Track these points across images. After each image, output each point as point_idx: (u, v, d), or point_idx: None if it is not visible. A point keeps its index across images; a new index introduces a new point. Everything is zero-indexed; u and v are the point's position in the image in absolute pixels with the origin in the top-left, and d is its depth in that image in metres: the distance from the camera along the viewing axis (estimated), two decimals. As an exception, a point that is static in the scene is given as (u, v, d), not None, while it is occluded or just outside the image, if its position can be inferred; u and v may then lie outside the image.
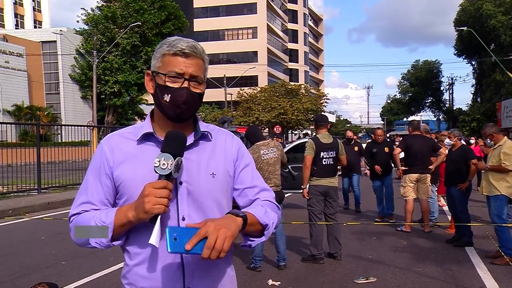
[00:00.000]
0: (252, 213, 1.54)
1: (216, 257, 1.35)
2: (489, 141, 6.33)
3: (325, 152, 6.06)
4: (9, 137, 19.96)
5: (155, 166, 1.44)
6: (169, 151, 1.46)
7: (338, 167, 6.70)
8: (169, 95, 1.54)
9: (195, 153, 1.60)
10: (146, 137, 1.60)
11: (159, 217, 1.44)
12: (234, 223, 1.43)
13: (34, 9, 58.40)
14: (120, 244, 1.57)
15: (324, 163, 6.05)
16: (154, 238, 1.43)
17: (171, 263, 1.52)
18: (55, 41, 38.13)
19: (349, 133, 11.08)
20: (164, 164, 1.43)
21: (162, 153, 1.46)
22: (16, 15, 55.37)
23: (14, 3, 54.89)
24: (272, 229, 1.61)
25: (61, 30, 36.75)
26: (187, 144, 1.56)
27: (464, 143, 7.45)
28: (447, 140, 7.43)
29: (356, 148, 10.76)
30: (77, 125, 16.02)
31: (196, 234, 1.35)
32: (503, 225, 5.86)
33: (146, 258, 1.53)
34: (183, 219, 1.53)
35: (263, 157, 5.63)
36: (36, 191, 12.59)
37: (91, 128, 19.75)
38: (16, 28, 51.02)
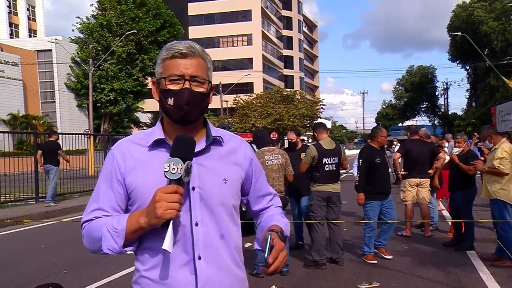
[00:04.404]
0: (282, 229, 1.65)
1: (270, 274, 1.53)
2: (487, 143, 6.35)
3: (327, 158, 6.05)
4: (5, 146, 19.89)
5: (164, 171, 1.43)
6: (178, 155, 1.45)
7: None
8: (172, 98, 1.54)
9: (207, 158, 1.60)
10: (158, 143, 1.59)
11: (172, 222, 1.44)
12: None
13: (28, 18, 58.35)
14: (133, 250, 1.56)
15: (326, 169, 6.05)
16: (167, 243, 1.42)
17: (184, 268, 1.51)
18: (50, 50, 38.19)
19: (291, 136, 7.35)
20: (174, 168, 1.43)
21: (171, 158, 1.45)
22: (10, 24, 55.27)
23: (8, 12, 54.82)
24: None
25: (56, 39, 36.81)
26: (199, 150, 1.56)
27: (470, 148, 7.45)
28: (450, 144, 7.45)
29: (303, 155, 6.59)
30: (73, 134, 15.96)
31: (276, 251, 1.50)
32: (500, 221, 5.87)
33: (159, 263, 1.53)
34: (196, 224, 1.53)
35: (267, 163, 5.63)
36: (34, 200, 12.51)
37: (88, 136, 19.71)
38: (10, 37, 50.94)
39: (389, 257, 6.38)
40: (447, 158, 8.10)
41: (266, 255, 1.46)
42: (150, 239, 1.53)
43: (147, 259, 1.55)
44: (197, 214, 1.54)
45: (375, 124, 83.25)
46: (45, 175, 12.11)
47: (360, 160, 6.37)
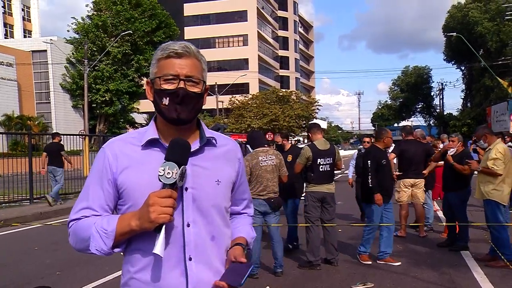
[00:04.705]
0: (247, 240, 1.72)
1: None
2: (482, 143, 6.37)
3: (322, 159, 6.05)
4: (0, 147, 19.78)
5: (159, 175, 1.43)
6: (173, 159, 1.45)
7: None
8: (167, 98, 1.54)
9: (201, 159, 1.59)
10: (151, 143, 1.58)
11: (164, 226, 1.44)
12: None
13: (23, 18, 58.09)
14: (121, 251, 1.55)
15: (321, 169, 6.05)
16: (158, 247, 1.43)
17: (175, 269, 1.51)
18: (46, 50, 38.00)
19: (277, 138, 7.57)
20: (169, 173, 1.42)
21: (167, 162, 1.44)
22: (5, 24, 55.04)
23: (3, 12, 54.60)
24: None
25: (51, 39, 36.63)
26: (192, 150, 1.55)
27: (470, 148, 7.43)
28: (445, 144, 7.45)
29: (290, 158, 6.92)
30: (69, 134, 15.88)
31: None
32: (495, 224, 5.89)
33: (149, 265, 1.52)
34: (188, 225, 1.53)
35: (261, 163, 5.63)
36: (28, 201, 12.46)
37: (83, 137, 19.63)
38: (5, 38, 50.71)
39: (397, 263, 6.18)
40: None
41: (243, 282, 1.50)
42: (140, 240, 1.52)
43: (137, 260, 1.54)
44: (189, 215, 1.53)
45: (370, 125, 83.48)
46: (48, 175, 12.27)
47: (369, 161, 6.17)
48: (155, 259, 1.51)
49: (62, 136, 13.79)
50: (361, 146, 9.53)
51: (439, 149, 8.77)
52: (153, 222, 1.40)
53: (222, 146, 1.68)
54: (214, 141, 1.66)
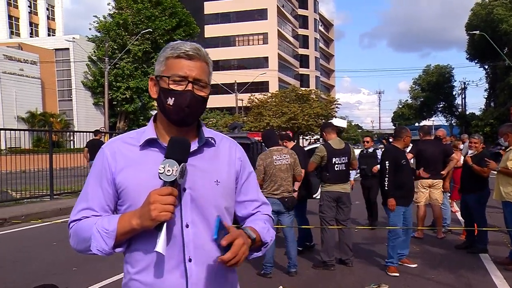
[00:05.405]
0: (258, 232, 1.60)
1: (230, 265, 1.43)
2: (503, 141, 6.21)
3: (337, 158, 6.00)
4: (23, 143, 20.21)
5: (159, 173, 1.42)
6: (173, 157, 1.44)
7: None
8: (173, 98, 1.53)
9: (199, 159, 1.58)
10: (149, 143, 1.58)
11: (165, 224, 1.43)
12: (247, 244, 1.50)
13: (48, 17, 59.20)
14: (122, 251, 1.55)
15: (336, 169, 6.00)
16: (160, 245, 1.42)
17: (175, 270, 1.50)
18: (68, 49, 38.70)
19: None
20: (169, 170, 1.42)
21: (167, 160, 1.43)
22: (30, 23, 56.18)
23: (29, 12, 55.75)
24: (270, 245, 1.69)
25: (73, 38, 37.28)
26: (191, 150, 1.54)
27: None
28: (465, 145, 7.33)
29: None
30: (90, 132, 16.09)
31: (231, 235, 1.43)
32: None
33: (149, 265, 1.51)
34: (187, 226, 1.52)
35: (275, 162, 5.61)
36: (49, 197, 12.69)
37: (103, 134, 19.90)
38: (30, 36, 51.75)
39: (414, 265, 6.01)
40: (462, 158, 7.98)
41: (215, 235, 1.42)
42: (140, 240, 1.52)
43: (136, 261, 1.54)
44: (188, 215, 1.52)
45: (391, 124, 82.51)
46: (88, 170, 13.00)
47: (387, 162, 5.75)
48: (155, 260, 1.50)
49: (80, 133, 14.13)
50: (363, 147, 9.60)
51: (459, 150, 8.63)
52: (154, 220, 1.40)
53: (221, 146, 1.67)
54: (213, 141, 1.64)
